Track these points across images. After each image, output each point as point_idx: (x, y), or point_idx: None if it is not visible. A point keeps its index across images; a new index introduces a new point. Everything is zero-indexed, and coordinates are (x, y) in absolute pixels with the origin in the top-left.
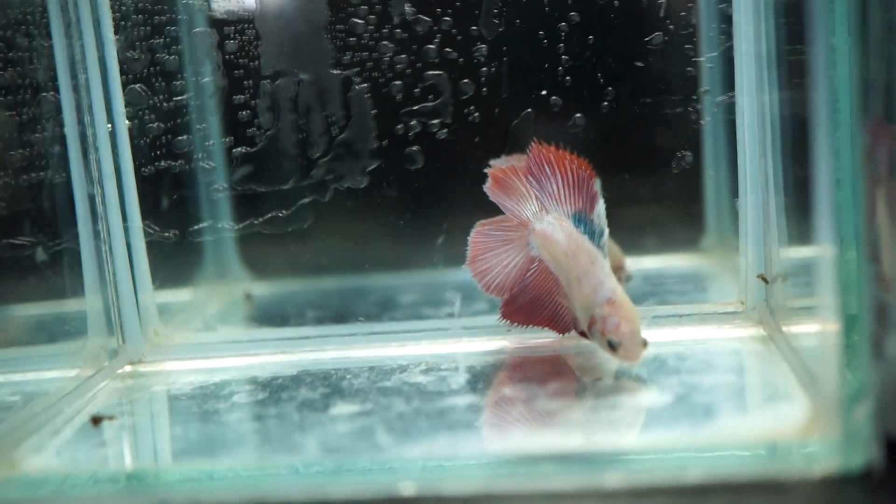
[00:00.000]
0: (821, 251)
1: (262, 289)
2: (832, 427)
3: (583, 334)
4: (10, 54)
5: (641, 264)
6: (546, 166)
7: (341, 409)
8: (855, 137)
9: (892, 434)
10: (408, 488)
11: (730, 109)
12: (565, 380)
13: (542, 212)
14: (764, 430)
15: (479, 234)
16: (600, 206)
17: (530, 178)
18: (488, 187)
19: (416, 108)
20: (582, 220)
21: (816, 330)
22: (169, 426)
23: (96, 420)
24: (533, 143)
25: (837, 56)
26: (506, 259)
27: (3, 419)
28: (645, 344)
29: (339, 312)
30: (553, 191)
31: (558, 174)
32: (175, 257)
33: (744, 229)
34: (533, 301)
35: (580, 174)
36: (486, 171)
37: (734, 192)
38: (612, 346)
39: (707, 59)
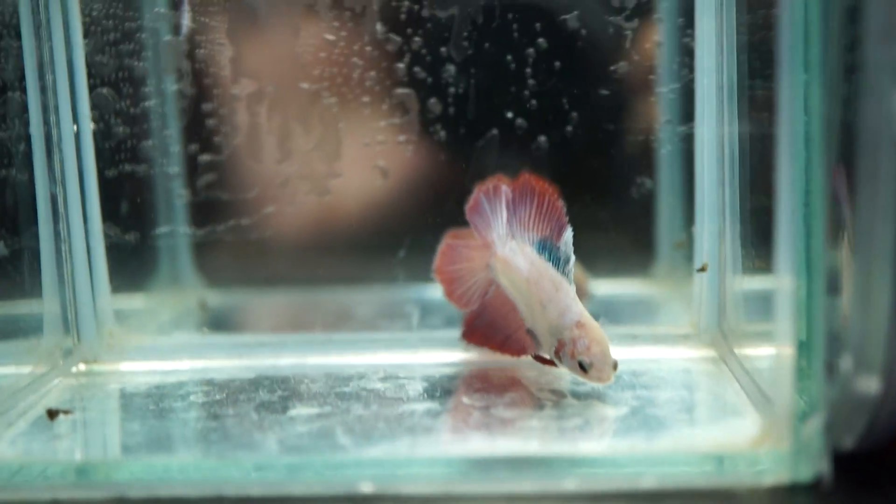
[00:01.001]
0: (778, 279)
1: (218, 298)
2: (783, 440)
3: (540, 359)
4: None
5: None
6: (527, 194)
7: (300, 410)
8: (815, 170)
9: (839, 448)
10: (367, 487)
11: (688, 139)
12: (522, 391)
13: (507, 237)
14: (716, 441)
15: (448, 245)
16: (568, 233)
17: (508, 203)
18: (468, 204)
19: (383, 124)
20: (547, 247)
21: (769, 353)
22: (125, 422)
23: (52, 414)
24: (523, 173)
25: (805, 91)
26: (469, 275)
27: None
28: (615, 365)
29: (295, 322)
30: (524, 217)
31: (534, 202)
32: (133, 261)
33: (699, 255)
34: (489, 324)
35: (552, 202)
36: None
37: (688, 220)
38: (584, 368)
39: (669, 89)
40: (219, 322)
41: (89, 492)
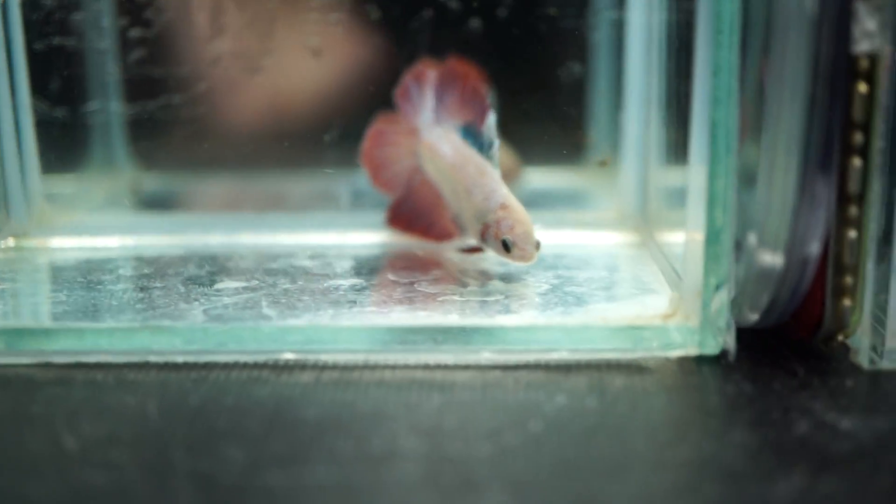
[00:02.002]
0: (692, 167)
1: (150, 178)
2: (691, 315)
3: (467, 251)
4: None
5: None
6: (452, 79)
7: (227, 284)
8: (733, 57)
9: (744, 323)
10: (289, 355)
11: (620, 26)
12: (447, 270)
13: (433, 123)
14: (629, 316)
15: (376, 129)
16: (491, 118)
17: (435, 89)
18: (397, 90)
19: (316, 2)
20: (472, 132)
21: (684, 238)
22: (53, 292)
23: None
24: (449, 57)
25: None
26: (395, 161)
27: None
28: (538, 245)
29: (226, 203)
30: (449, 102)
31: (459, 87)
32: (63, 140)
33: (626, 142)
34: (413, 210)
35: (475, 86)
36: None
37: (618, 107)
38: (507, 247)
39: None
40: (150, 202)
41: (16, 358)
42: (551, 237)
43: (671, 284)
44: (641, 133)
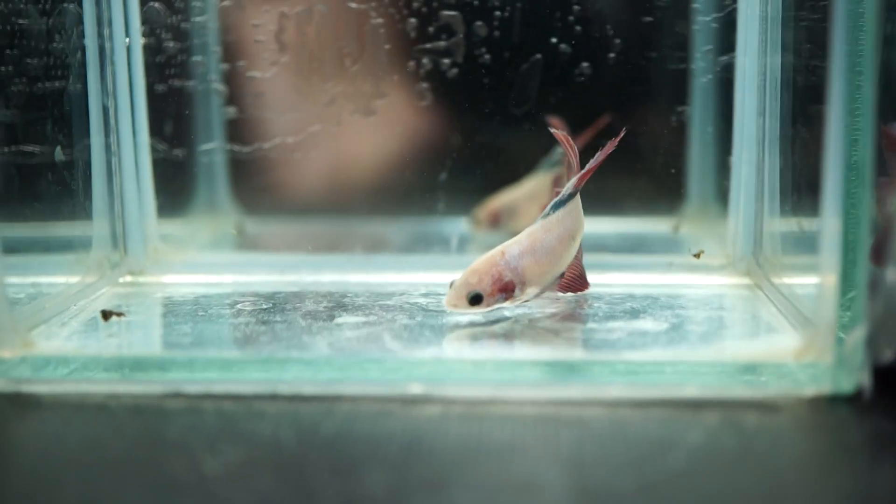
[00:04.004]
0: (824, 217)
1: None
2: (824, 353)
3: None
4: None
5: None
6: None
7: (346, 319)
8: (871, 99)
9: (879, 361)
10: (416, 388)
11: (727, 69)
12: (562, 306)
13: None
14: (758, 354)
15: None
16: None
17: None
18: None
19: (428, 46)
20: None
21: (810, 280)
22: (176, 324)
23: (106, 314)
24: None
25: (855, 23)
26: None
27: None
28: (469, 298)
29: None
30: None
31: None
32: (179, 178)
33: (736, 186)
34: None
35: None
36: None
37: (722, 151)
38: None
39: (712, 18)
40: (257, 242)
41: (147, 386)
42: (662, 279)
43: (793, 325)
44: (754, 177)
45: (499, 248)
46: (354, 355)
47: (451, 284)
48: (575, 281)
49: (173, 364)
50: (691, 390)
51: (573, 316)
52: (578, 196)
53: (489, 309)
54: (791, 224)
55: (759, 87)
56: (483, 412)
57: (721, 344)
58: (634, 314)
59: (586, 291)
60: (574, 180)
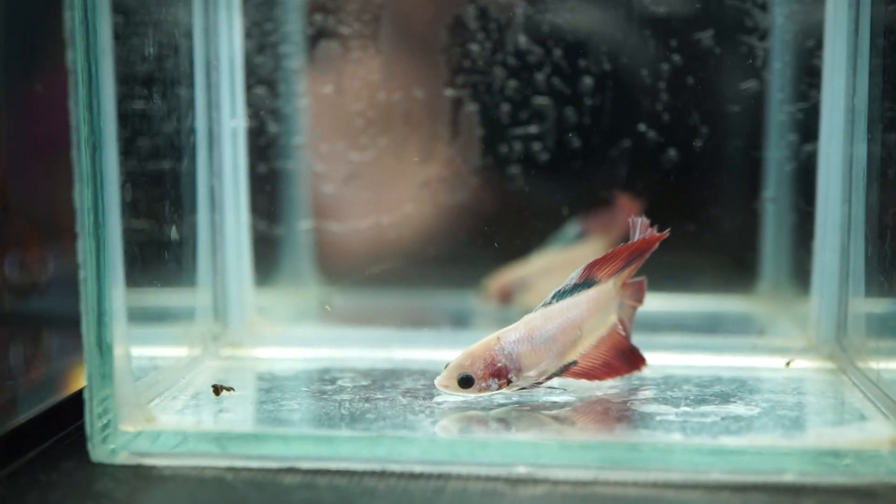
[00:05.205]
0: None
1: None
2: None
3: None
4: (152, 50)
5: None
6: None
7: (446, 398)
8: None
9: None
10: (522, 469)
11: (810, 157)
12: (656, 391)
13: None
14: (857, 440)
15: None
16: None
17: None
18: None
19: (520, 131)
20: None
21: None
22: (283, 400)
23: (217, 389)
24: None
25: None
26: None
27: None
28: (462, 383)
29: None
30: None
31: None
32: (272, 254)
33: (818, 270)
34: None
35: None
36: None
37: (799, 238)
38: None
39: (796, 108)
40: (351, 316)
41: (262, 462)
42: (745, 362)
43: (883, 411)
44: (838, 262)
45: (496, 333)
46: (461, 437)
47: (446, 366)
48: (624, 361)
49: (289, 441)
50: (790, 477)
51: (664, 399)
52: (605, 287)
53: (481, 393)
54: (878, 307)
55: (843, 175)
56: (590, 493)
57: (815, 430)
58: (725, 398)
59: (643, 369)
60: (580, 271)
